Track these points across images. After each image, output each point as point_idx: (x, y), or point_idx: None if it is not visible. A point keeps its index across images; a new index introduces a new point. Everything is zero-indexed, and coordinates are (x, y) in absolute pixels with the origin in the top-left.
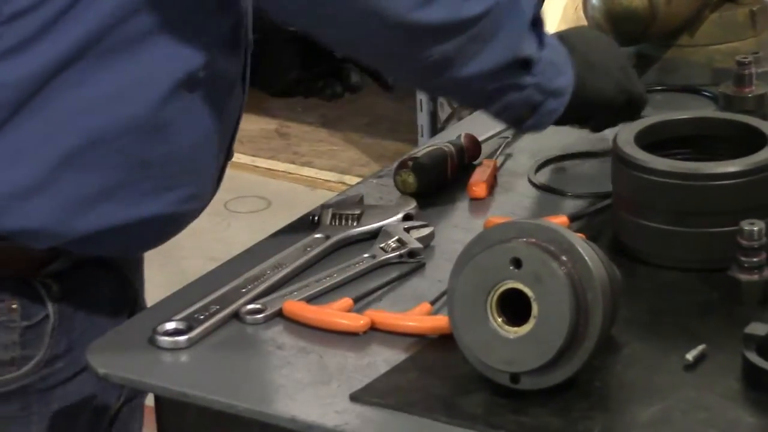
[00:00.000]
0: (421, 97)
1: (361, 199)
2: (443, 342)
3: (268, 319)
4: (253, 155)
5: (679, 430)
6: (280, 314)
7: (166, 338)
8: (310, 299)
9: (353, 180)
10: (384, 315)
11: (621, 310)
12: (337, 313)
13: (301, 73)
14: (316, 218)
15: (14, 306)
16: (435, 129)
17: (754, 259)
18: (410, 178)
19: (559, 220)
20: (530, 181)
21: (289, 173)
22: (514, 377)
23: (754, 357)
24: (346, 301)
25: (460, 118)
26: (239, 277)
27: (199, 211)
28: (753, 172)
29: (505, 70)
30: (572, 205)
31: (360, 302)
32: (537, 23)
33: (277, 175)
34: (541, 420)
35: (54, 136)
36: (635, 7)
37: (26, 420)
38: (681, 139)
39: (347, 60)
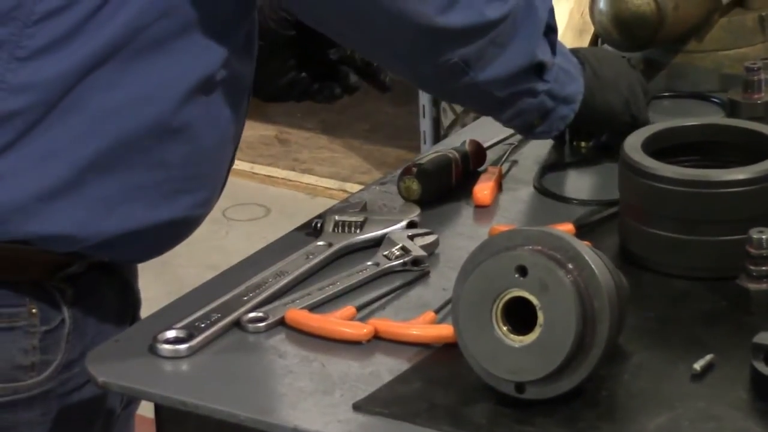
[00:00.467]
0: (424, 103)
1: (365, 206)
2: (447, 351)
3: (270, 328)
4: (252, 162)
5: None
6: (282, 323)
7: (167, 346)
8: (313, 307)
9: (354, 187)
10: (388, 324)
11: (628, 319)
12: (340, 322)
13: (296, 77)
14: (319, 225)
15: (34, 310)
16: (438, 135)
17: (763, 268)
18: (414, 185)
19: (565, 228)
20: (536, 188)
21: (289, 180)
22: (520, 387)
23: (762, 367)
24: (349, 310)
25: (463, 125)
26: (241, 285)
27: (205, 216)
28: (762, 180)
29: (521, 75)
30: (578, 212)
31: (363, 311)
32: (550, 30)
33: (277, 182)
34: (547, 430)
35: (83, 138)
36: (643, 11)
37: (47, 426)
38: (689, 146)
39: (343, 61)
